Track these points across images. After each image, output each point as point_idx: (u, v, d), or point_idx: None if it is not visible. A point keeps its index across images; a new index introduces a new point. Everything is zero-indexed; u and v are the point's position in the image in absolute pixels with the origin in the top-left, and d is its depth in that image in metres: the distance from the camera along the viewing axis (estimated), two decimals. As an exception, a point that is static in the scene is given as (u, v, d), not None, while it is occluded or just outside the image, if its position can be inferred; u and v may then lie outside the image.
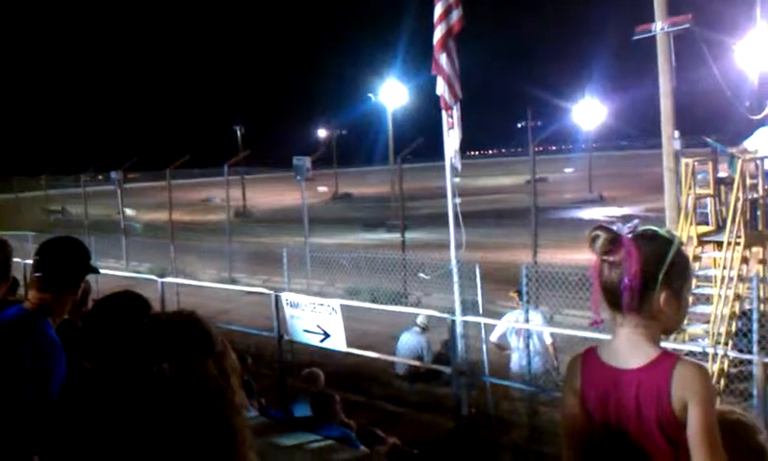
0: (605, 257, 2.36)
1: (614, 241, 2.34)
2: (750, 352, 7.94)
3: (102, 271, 4.26)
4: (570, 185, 48.75)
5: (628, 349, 2.37)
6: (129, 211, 32.90)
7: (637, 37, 13.53)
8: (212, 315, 12.67)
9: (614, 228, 2.40)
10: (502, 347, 10.12)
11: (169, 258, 22.77)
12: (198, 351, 1.36)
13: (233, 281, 19.89)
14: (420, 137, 19.27)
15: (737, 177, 11.03)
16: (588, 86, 56.96)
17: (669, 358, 2.32)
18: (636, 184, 42.19)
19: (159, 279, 13.21)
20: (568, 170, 58.23)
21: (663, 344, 2.40)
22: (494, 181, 55.08)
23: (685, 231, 11.23)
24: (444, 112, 9.01)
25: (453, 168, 9.19)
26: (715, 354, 9.64)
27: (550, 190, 40.98)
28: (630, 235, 2.37)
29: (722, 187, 11.66)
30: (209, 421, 1.32)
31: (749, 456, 2.39)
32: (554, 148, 69.04)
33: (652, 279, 2.32)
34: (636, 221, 2.45)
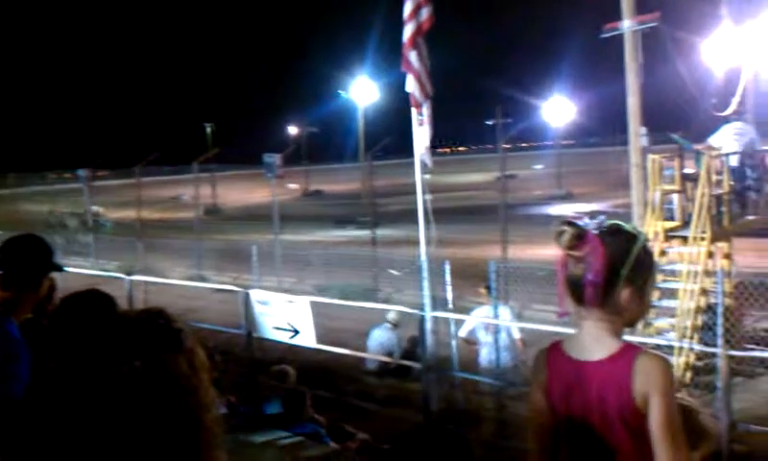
0: (570, 252, 2.37)
1: (580, 236, 2.35)
2: (715, 346, 8.04)
3: (69, 269, 4.21)
4: (540, 182, 48.97)
5: (591, 341, 2.38)
6: (97, 209, 32.55)
7: (605, 35, 13.65)
8: (181, 313, 12.52)
9: (581, 223, 2.41)
10: (471, 342, 10.17)
11: (138, 256, 22.58)
12: (169, 349, 1.35)
13: (203, 279, 19.76)
14: (389, 135, 19.34)
15: (703, 173, 11.17)
16: (558, 84, 57.35)
17: (631, 350, 2.33)
18: (604, 181, 42.48)
19: (126, 277, 13.10)
20: (538, 167, 58.48)
21: (632, 338, 2.43)
22: (465, 177, 55.20)
23: (652, 227, 11.35)
24: (414, 110, 9.03)
25: (424, 165, 9.22)
26: (681, 348, 9.77)
27: (520, 187, 41.13)
28: (596, 231, 2.38)
29: (688, 183, 11.80)
30: (181, 418, 1.32)
31: (692, 436, 2.43)
32: (524, 145, 69.27)
33: (616, 276, 2.34)
34: (602, 217, 2.46)
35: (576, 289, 2.38)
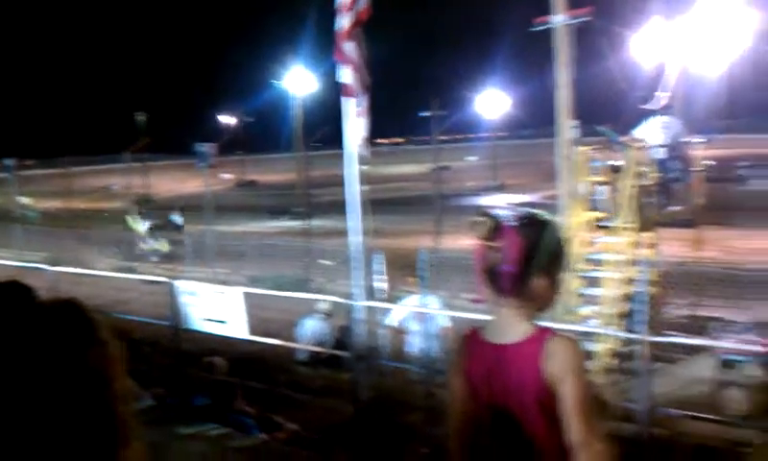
0: (487, 243, 2.41)
1: (497, 228, 2.39)
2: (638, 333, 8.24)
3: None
4: (474, 173, 49.36)
5: (507, 326, 2.43)
6: (24, 199, 31.71)
7: (536, 29, 13.80)
8: (110, 305, 12.38)
9: (498, 214, 2.45)
10: (401, 331, 10.24)
11: (65, 247, 22.09)
12: (81, 339, 1.35)
13: (132, 271, 19.44)
14: (327, 125, 19.32)
15: (627, 164, 11.45)
16: (492, 76, 57.86)
17: (543, 333, 2.39)
18: (537, 172, 42.99)
19: (50, 268, 12.81)
20: (472, 158, 58.98)
21: (557, 325, 2.48)
22: (399, 169, 55.38)
23: (579, 218, 11.59)
24: (348, 100, 8.97)
25: (360, 156, 9.21)
26: (605, 335, 10.02)
27: (453, 178, 41.43)
28: (513, 222, 2.41)
29: (615, 175, 12.07)
30: (96, 410, 1.31)
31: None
32: (459, 137, 69.66)
33: (531, 266, 2.39)
34: (521, 209, 2.51)
35: (493, 279, 2.42)
